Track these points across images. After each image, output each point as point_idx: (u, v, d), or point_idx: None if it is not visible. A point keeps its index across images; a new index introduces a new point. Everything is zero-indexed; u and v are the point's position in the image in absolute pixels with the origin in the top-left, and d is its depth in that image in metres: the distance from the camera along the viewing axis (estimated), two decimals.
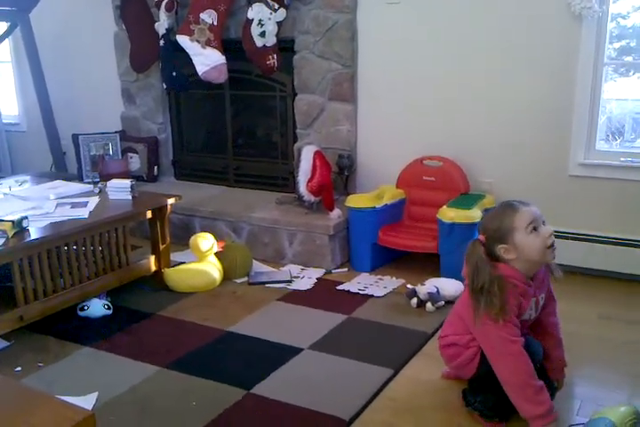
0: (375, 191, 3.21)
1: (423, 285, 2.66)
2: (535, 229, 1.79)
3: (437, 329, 2.47)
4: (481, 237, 1.85)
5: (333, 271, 3.13)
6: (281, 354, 2.28)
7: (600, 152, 2.89)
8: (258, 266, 3.19)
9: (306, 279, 3.03)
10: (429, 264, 3.05)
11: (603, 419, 1.63)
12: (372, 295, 2.80)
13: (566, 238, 2.93)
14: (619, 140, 3.04)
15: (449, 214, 2.80)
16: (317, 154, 3.17)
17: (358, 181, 3.50)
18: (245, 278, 3.04)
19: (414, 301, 2.66)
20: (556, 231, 2.91)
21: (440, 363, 2.11)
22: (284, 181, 3.75)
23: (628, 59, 2.92)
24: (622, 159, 2.81)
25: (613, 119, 3.07)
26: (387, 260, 3.20)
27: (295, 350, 2.31)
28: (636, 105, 3.09)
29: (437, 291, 2.63)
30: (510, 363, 1.77)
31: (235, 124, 3.91)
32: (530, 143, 2.99)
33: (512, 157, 3.05)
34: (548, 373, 1.93)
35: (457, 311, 1.98)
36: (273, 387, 2.07)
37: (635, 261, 2.78)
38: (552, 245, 1.80)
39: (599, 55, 2.79)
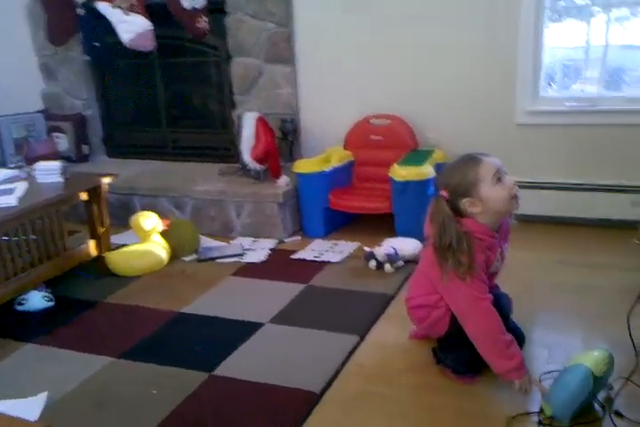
0: (322, 155, 3.09)
1: (380, 246, 2.59)
2: (499, 179, 1.73)
3: (399, 290, 2.41)
4: (443, 193, 1.76)
5: (286, 240, 3.02)
6: (241, 331, 2.17)
7: (545, 99, 2.84)
8: (206, 241, 3.04)
9: (258, 251, 2.91)
10: (383, 225, 2.97)
11: (579, 366, 1.59)
12: (328, 262, 2.71)
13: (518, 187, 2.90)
14: (555, 87, 3.00)
15: (401, 173, 2.71)
16: (259, 120, 3.01)
17: (304, 146, 3.37)
18: (194, 256, 2.89)
19: (372, 263, 2.58)
20: None
21: (406, 324, 2.05)
22: (225, 152, 3.57)
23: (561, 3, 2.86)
24: (567, 104, 2.78)
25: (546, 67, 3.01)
26: (340, 224, 3.11)
27: (256, 326, 2.20)
28: (567, 52, 3.04)
29: (395, 251, 2.56)
30: (480, 320, 1.72)
31: (168, 95, 3.69)
32: (476, 94, 2.92)
33: (459, 110, 2.98)
34: None
35: (422, 271, 1.91)
36: (236, 366, 1.96)
37: (586, 205, 2.78)
38: (516, 195, 1.75)
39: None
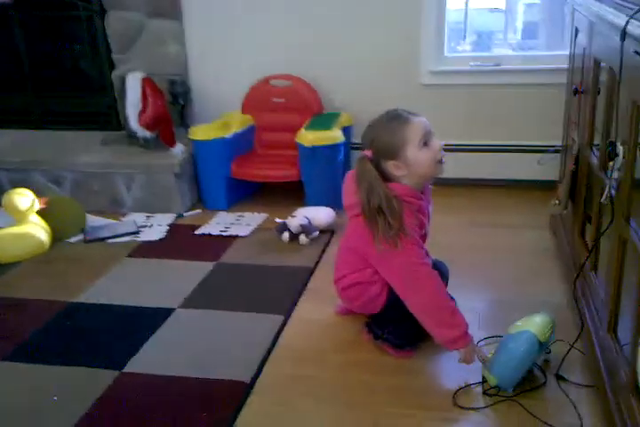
0: (219, 120, 2.83)
1: (293, 217, 2.41)
2: (426, 143, 1.62)
3: (317, 262, 2.26)
4: (367, 153, 1.63)
5: (185, 215, 2.75)
6: (149, 320, 1.92)
7: (449, 58, 2.77)
8: (93, 220, 2.70)
9: (155, 228, 2.63)
10: (290, 194, 2.80)
11: (524, 333, 1.53)
12: (236, 236, 2.50)
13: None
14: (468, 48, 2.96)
15: (309, 137, 2.54)
16: (146, 82, 2.69)
17: (196, 111, 3.08)
18: (81, 236, 2.56)
19: (286, 235, 2.41)
20: None
21: (331, 299, 1.92)
22: (105, 118, 3.19)
23: None
24: (472, 64, 2.72)
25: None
26: (243, 194, 2.88)
27: (165, 313, 1.96)
28: (457, 14, 3.01)
29: (309, 222, 2.40)
30: (423, 288, 1.60)
31: (32, 55, 3.20)
32: (380, 55, 2.78)
33: (363, 71, 2.83)
34: None
35: (349, 246, 1.76)
36: (150, 360, 1.72)
37: (494, 166, 2.77)
38: (442, 159, 1.66)
39: None
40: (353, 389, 1.61)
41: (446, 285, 1.77)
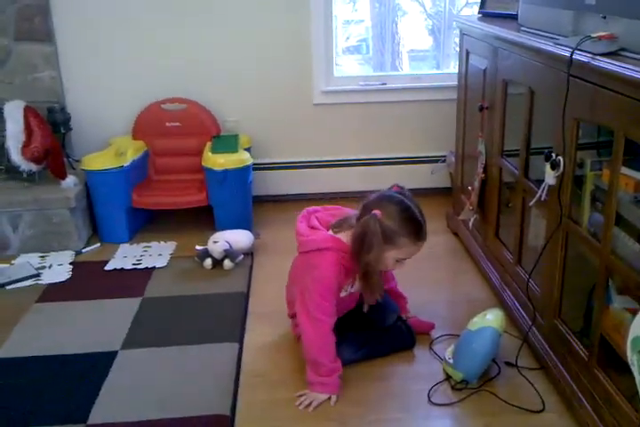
0: (110, 147, 2.69)
1: (215, 242, 2.36)
2: (401, 260, 1.67)
3: (249, 285, 2.25)
4: (378, 213, 1.58)
5: (84, 251, 2.57)
6: (95, 366, 1.78)
7: (339, 78, 2.90)
8: None
9: (56, 268, 2.42)
10: (192, 219, 2.75)
11: (486, 329, 1.67)
12: (153, 267, 2.39)
13: (320, 167, 2.96)
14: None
15: (219, 161, 2.51)
16: (29, 111, 2.48)
17: (76, 139, 2.88)
18: None
19: (208, 262, 2.36)
20: (307, 161, 2.95)
21: (277, 320, 1.96)
22: None
23: None
24: (361, 83, 2.88)
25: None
26: (139, 224, 2.76)
27: (108, 356, 1.82)
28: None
29: (230, 246, 2.38)
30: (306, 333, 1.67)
31: None
32: (273, 76, 2.83)
33: (256, 93, 2.86)
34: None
35: (294, 282, 1.80)
36: (113, 408, 1.60)
37: (388, 178, 2.92)
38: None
39: None
40: (336, 403, 1.63)
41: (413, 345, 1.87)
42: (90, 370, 1.76)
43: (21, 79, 2.75)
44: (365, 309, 1.72)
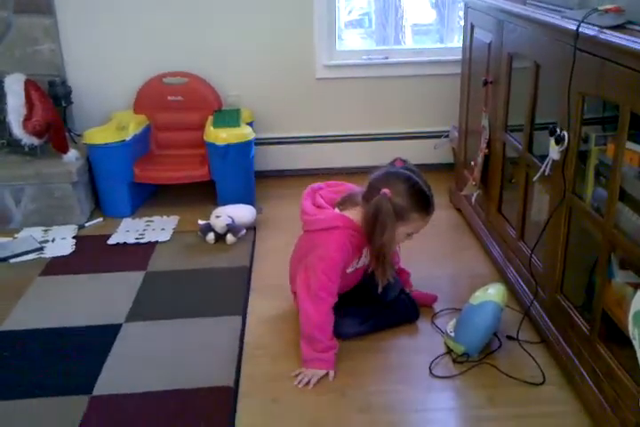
0: (112, 121, 2.67)
1: (218, 217, 2.37)
2: (411, 234, 1.68)
3: (252, 259, 2.26)
4: (387, 191, 1.57)
5: (87, 225, 2.57)
6: (99, 339, 1.80)
7: (342, 52, 2.87)
8: None
9: (59, 242, 2.43)
10: (194, 194, 2.75)
11: (488, 303, 1.68)
12: (156, 241, 2.40)
13: (322, 142, 2.94)
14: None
15: (221, 135, 2.49)
16: (30, 85, 2.46)
17: (77, 113, 2.87)
18: None
19: (211, 236, 2.36)
20: (309, 136, 2.93)
21: (281, 294, 1.95)
22: None
23: None
24: (364, 57, 2.85)
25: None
26: (143, 198, 2.76)
27: (113, 329, 1.84)
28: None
29: (233, 220, 2.38)
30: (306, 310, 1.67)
31: None
32: (276, 50, 2.80)
33: (259, 67, 2.83)
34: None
35: (299, 259, 1.78)
36: (118, 380, 1.63)
37: (394, 153, 2.91)
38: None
39: None
40: (336, 375, 1.65)
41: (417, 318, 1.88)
42: (94, 343, 1.78)
43: (21, 52, 2.72)
44: (379, 290, 1.69)
